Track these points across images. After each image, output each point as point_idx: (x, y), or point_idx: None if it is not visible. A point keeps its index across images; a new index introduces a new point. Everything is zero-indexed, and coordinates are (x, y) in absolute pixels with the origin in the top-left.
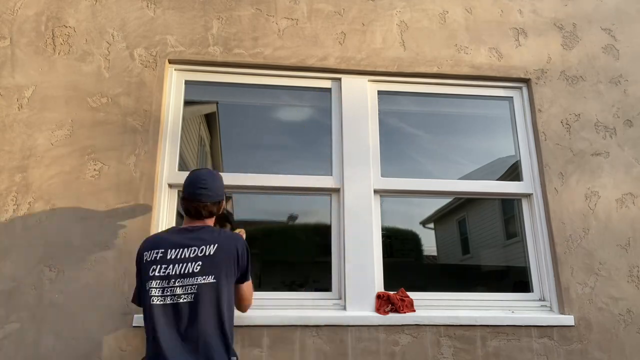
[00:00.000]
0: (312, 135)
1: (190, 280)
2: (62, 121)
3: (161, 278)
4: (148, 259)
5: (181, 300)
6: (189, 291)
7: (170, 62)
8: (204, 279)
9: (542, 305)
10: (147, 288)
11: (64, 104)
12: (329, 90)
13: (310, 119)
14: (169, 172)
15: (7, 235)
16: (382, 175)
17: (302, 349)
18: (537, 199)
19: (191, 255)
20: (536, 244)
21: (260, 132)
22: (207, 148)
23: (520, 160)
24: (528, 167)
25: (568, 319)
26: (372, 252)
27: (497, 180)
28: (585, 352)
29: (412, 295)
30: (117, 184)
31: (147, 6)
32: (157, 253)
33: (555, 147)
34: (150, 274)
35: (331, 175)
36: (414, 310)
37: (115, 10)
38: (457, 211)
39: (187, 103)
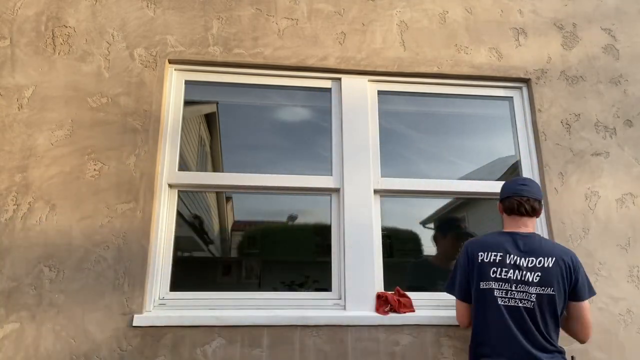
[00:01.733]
0: (312, 135)
1: (531, 289)
2: (62, 121)
3: (503, 281)
4: (485, 260)
5: (521, 305)
6: (528, 298)
7: (170, 62)
8: (543, 289)
9: None
10: (487, 287)
11: (64, 104)
12: (329, 90)
13: (310, 119)
14: (169, 172)
15: (7, 235)
16: (382, 175)
17: (302, 349)
18: None
19: (529, 265)
20: None
21: (260, 132)
22: (207, 148)
23: (520, 160)
24: (528, 167)
25: None
26: (372, 252)
27: (497, 180)
28: (585, 352)
29: (412, 295)
30: (117, 184)
31: (147, 6)
32: (495, 255)
33: (555, 147)
34: (492, 275)
35: (331, 175)
36: (413, 310)
37: (115, 10)
38: (457, 211)
39: (187, 103)
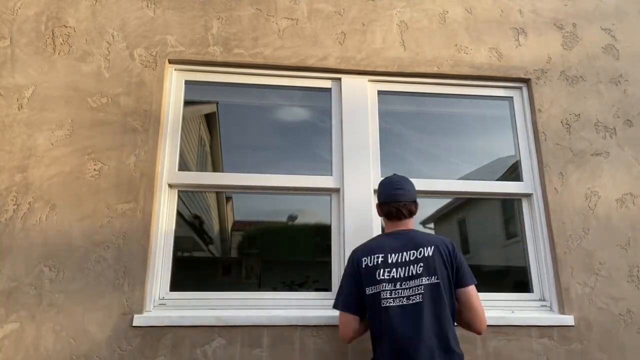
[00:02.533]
0: (312, 135)
1: (416, 282)
2: (62, 121)
3: (387, 281)
4: (369, 264)
5: (410, 302)
6: (416, 292)
7: (170, 62)
8: (428, 279)
9: (542, 305)
10: (375, 292)
11: (64, 104)
12: (329, 90)
13: (310, 119)
14: (169, 172)
15: (7, 235)
16: (382, 175)
17: (302, 349)
18: (537, 199)
19: (411, 258)
20: (536, 244)
21: (261, 132)
22: (207, 148)
23: (520, 160)
24: (528, 167)
25: (568, 319)
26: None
27: (497, 180)
28: (585, 352)
29: None
30: (117, 184)
31: (147, 6)
32: (377, 258)
33: (555, 147)
34: (378, 278)
35: (331, 175)
36: None
37: (115, 10)
38: (457, 211)
39: (187, 103)
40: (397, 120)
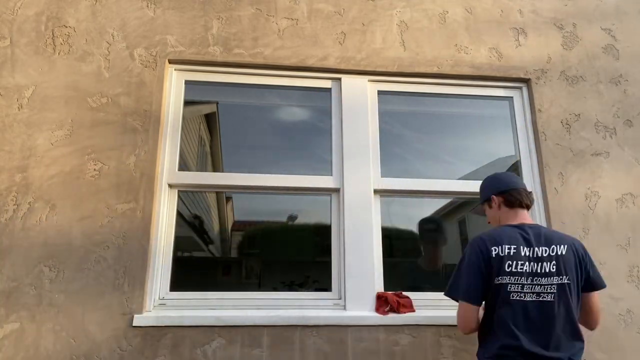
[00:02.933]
0: (312, 135)
1: (548, 280)
2: (62, 121)
3: (518, 274)
4: (500, 254)
5: (541, 299)
6: (548, 290)
7: (170, 62)
8: (559, 279)
9: None
10: (503, 282)
11: (64, 104)
12: (329, 90)
13: (310, 119)
14: (169, 172)
15: (7, 235)
16: (382, 175)
17: (302, 349)
18: (537, 199)
19: (544, 255)
20: None
21: (261, 132)
22: (207, 148)
23: (520, 160)
24: (528, 167)
25: None
26: (372, 252)
27: None
28: (585, 353)
29: (412, 295)
30: (117, 184)
31: (147, 6)
32: (508, 249)
33: (555, 147)
34: (508, 269)
35: (331, 175)
36: (413, 310)
37: (115, 10)
38: (457, 211)
39: (187, 103)
40: (397, 120)
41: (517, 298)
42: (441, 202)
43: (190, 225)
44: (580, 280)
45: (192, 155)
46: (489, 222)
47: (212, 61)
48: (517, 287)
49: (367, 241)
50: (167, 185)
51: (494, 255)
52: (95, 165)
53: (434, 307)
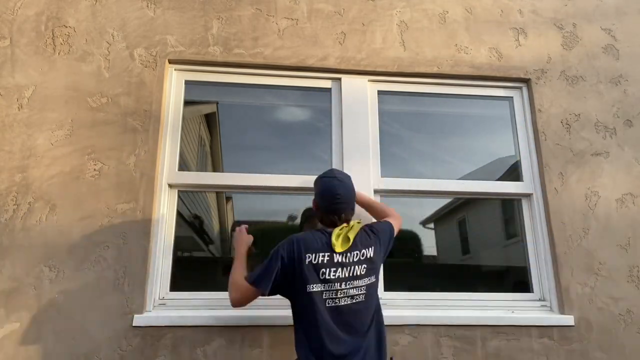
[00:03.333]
0: (312, 135)
1: (359, 282)
2: (62, 121)
3: (332, 281)
4: (313, 262)
5: (351, 302)
6: (359, 292)
7: (170, 62)
8: (369, 279)
9: (542, 305)
10: (317, 290)
11: (64, 104)
12: (329, 90)
13: (310, 119)
14: (169, 172)
15: (7, 235)
16: (382, 175)
17: None
18: (537, 199)
19: (354, 260)
20: (536, 244)
21: (260, 132)
22: (207, 148)
23: (520, 160)
24: (528, 167)
25: (568, 319)
26: None
27: (497, 180)
28: (585, 352)
29: (412, 295)
30: (117, 184)
31: (147, 6)
32: (323, 257)
33: (555, 147)
34: (321, 277)
35: None
36: None
37: (115, 10)
38: (457, 211)
39: (187, 103)
40: (397, 120)
41: (332, 305)
42: (441, 202)
43: (190, 225)
44: (383, 257)
45: (192, 155)
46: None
47: (212, 61)
48: (332, 293)
49: None
50: (167, 185)
51: (307, 262)
52: (95, 165)
53: (434, 307)
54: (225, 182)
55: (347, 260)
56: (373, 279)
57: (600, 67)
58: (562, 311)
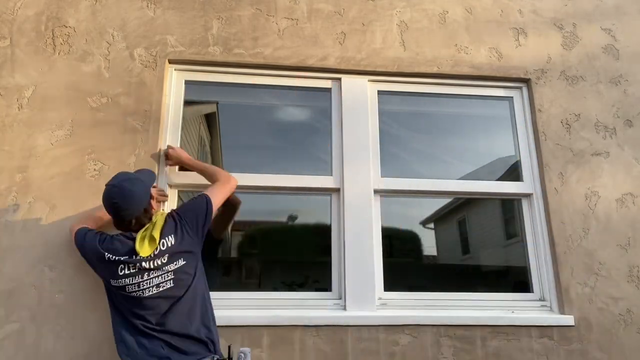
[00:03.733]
0: (312, 135)
1: (164, 271)
2: (62, 121)
3: (132, 276)
4: (113, 259)
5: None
6: (167, 278)
7: (170, 62)
8: (175, 264)
9: (542, 305)
10: (119, 285)
11: (64, 104)
12: (329, 90)
13: (310, 119)
14: (169, 172)
15: (7, 235)
16: (382, 175)
17: (302, 349)
18: (537, 199)
19: (155, 253)
20: (536, 244)
21: (260, 132)
22: (207, 148)
23: (520, 160)
24: (528, 167)
25: (568, 319)
26: (372, 252)
27: (497, 180)
28: (585, 352)
29: (412, 295)
30: None
31: (147, 6)
32: (121, 257)
33: (555, 147)
34: (120, 273)
35: (331, 175)
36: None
37: (115, 10)
38: (457, 211)
39: (187, 103)
40: (397, 120)
41: (136, 296)
42: (441, 202)
43: None
44: (198, 236)
45: (192, 155)
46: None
47: (212, 61)
48: (133, 287)
49: (367, 241)
50: (167, 185)
51: (107, 259)
52: (95, 165)
53: (434, 307)
54: None
55: (153, 265)
56: (181, 262)
57: (600, 67)
58: (562, 311)
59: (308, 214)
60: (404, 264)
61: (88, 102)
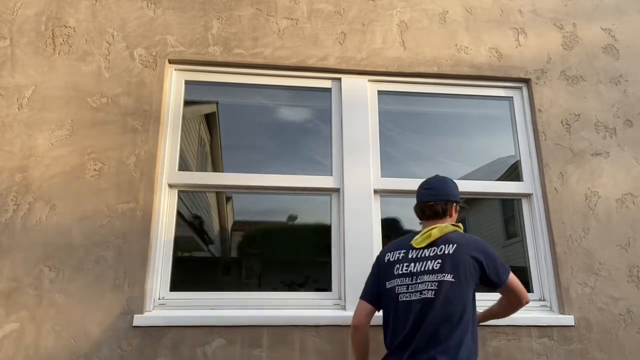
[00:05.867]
0: (312, 135)
1: (431, 277)
2: (62, 121)
3: (404, 276)
4: (391, 259)
5: (422, 297)
6: (429, 287)
7: (170, 62)
8: (443, 276)
9: (542, 305)
10: (391, 286)
11: (64, 104)
12: (329, 90)
13: (310, 119)
14: (169, 172)
15: (7, 235)
16: (382, 175)
17: (302, 349)
18: (537, 199)
19: (430, 254)
20: (536, 244)
21: (260, 132)
22: (207, 148)
23: (520, 160)
24: (528, 167)
25: (568, 319)
26: (372, 252)
27: (497, 180)
28: (585, 352)
29: None
30: (117, 184)
31: (147, 6)
32: (399, 253)
33: (555, 147)
34: (395, 273)
35: (331, 175)
36: None
37: (115, 10)
38: None
39: (187, 103)
40: (397, 120)
41: (404, 299)
42: None
43: (190, 225)
44: (472, 279)
45: (192, 155)
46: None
47: (212, 61)
48: (403, 287)
49: (367, 241)
50: (167, 185)
51: (385, 261)
52: (95, 165)
53: None
54: (225, 182)
55: (421, 255)
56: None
57: (600, 67)
58: (562, 311)
59: (308, 214)
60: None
61: (88, 102)
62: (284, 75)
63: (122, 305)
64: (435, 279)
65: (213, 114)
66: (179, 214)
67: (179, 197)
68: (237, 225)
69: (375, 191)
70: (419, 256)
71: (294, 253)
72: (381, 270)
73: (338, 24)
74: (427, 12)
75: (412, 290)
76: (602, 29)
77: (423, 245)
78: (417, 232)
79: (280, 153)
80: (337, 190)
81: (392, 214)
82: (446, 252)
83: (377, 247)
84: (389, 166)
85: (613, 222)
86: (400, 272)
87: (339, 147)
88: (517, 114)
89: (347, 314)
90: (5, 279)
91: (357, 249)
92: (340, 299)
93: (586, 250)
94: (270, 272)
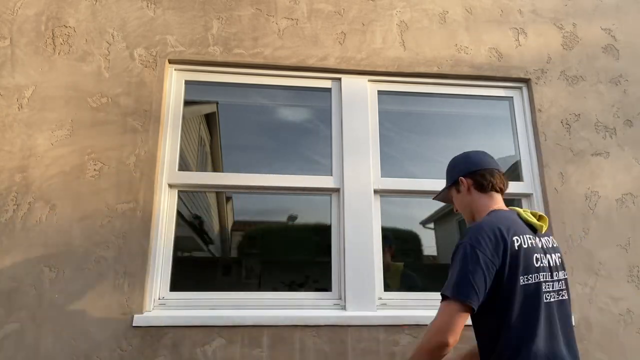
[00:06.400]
0: (312, 135)
1: (561, 275)
2: (62, 121)
3: (545, 270)
4: (523, 246)
5: (560, 298)
6: (562, 287)
7: (170, 62)
8: (565, 274)
9: None
10: (530, 282)
11: (64, 104)
12: (329, 90)
13: (310, 119)
14: (169, 172)
15: (7, 235)
16: (382, 175)
17: (302, 349)
18: (537, 199)
19: (552, 245)
20: None
21: (260, 132)
22: (207, 148)
23: (520, 160)
24: (528, 167)
25: None
26: (372, 252)
27: None
28: (585, 353)
29: (412, 295)
30: (117, 184)
31: (147, 6)
32: (529, 239)
33: (555, 147)
34: (537, 265)
35: (331, 175)
36: None
37: (115, 10)
38: (457, 211)
39: (187, 103)
40: (397, 120)
41: (550, 300)
42: (441, 202)
43: (190, 225)
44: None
45: (192, 155)
46: (457, 211)
47: (212, 61)
48: (548, 285)
49: (367, 241)
50: (167, 185)
51: (516, 247)
52: (95, 165)
53: (433, 307)
54: (225, 182)
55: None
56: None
57: (600, 67)
58: None
59: (308, 214)
60: (404, 264)
61: (88, 102)
62: (284, 75)
63: (122, 305)
64: (564, 277)
65: (213, 114)
66: (179, 214)
67: (179, 197)
68: (237, 225)
69: (375, 191)
70: (547, 246)
71: (294, 253)
72: (508, 261)
73: (338, 24)
74: (427, 12)
75: (556, 288)
76: (602, 29)
77: (543, 231)
78: (507, 211)
79: (280, 153)
80: (337, 190)
81: (392, 214)
82: (556, 244)
83: (377, 247)
84: (388, 166)
85: (613, 222)
86: (539, 265)
87: (338, 147)
88: (517, 114)
89: (347, 314)
90: (5, 279)
91: (357, 249)
92: (340, 299)
93: (586, 250)
94: (270, 272)
